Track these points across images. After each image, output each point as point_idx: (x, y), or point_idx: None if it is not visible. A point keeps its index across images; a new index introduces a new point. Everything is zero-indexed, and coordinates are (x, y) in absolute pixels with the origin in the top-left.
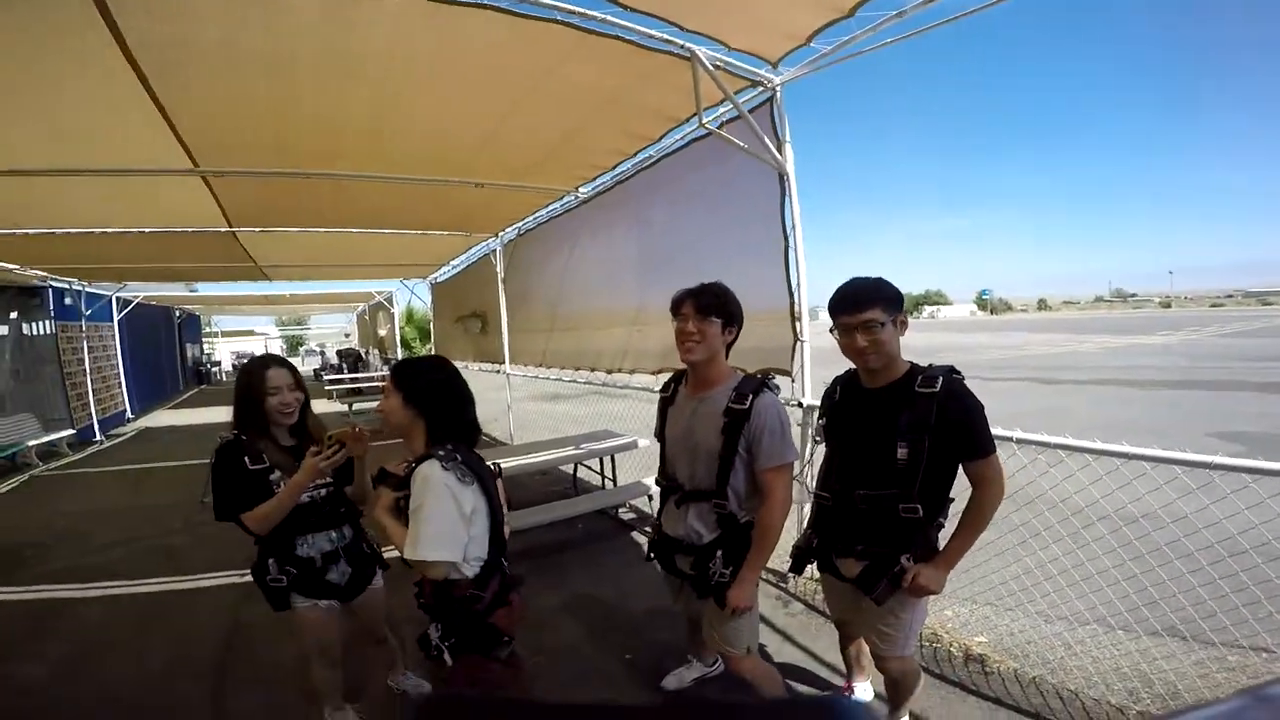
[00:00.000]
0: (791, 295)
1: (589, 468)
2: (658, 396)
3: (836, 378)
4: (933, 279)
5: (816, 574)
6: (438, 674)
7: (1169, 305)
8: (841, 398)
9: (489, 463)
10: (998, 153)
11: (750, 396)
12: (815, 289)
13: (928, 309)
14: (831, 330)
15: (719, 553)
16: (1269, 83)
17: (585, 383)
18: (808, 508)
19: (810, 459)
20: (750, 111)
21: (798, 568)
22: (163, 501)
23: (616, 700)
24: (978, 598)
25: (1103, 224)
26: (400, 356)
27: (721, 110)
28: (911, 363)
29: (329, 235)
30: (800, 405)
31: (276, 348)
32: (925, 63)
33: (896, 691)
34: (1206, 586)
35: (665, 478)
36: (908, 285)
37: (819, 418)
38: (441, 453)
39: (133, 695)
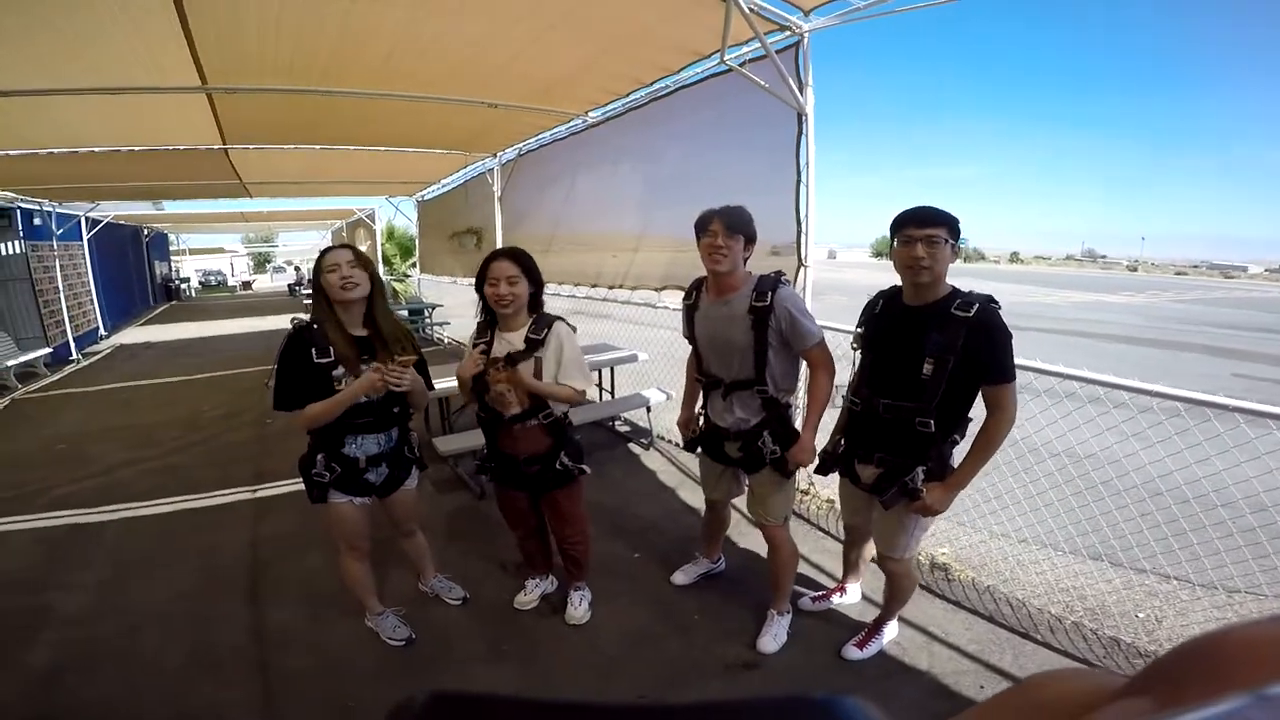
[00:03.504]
0: (799, 224)
1: None
2: (683, 305)
3: (880, 292)
4: None
5: (811, 487)
6: (572, 488)
7: (1135, 269)
8: (881, 311)
9: None
10: (998, 108)
11: (770, 293)
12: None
13: None
14: (891, 243)
15: (765, 432)
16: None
17: (584, 296)
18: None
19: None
20: (777, 53)
21: (823, 470)
22: (157, 420)
23: (619, 700)
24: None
25: (1080, 189)
26: (381, 273)
27: (746, 49)
28: (954, 287)
29: (324, 152)
30: None
31: (244, 265)
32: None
33: (892, 593)
34: (1131, 521)
35: (704, 375)
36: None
37: (858, 326)
38: (560, 316)
39: (174, 613)
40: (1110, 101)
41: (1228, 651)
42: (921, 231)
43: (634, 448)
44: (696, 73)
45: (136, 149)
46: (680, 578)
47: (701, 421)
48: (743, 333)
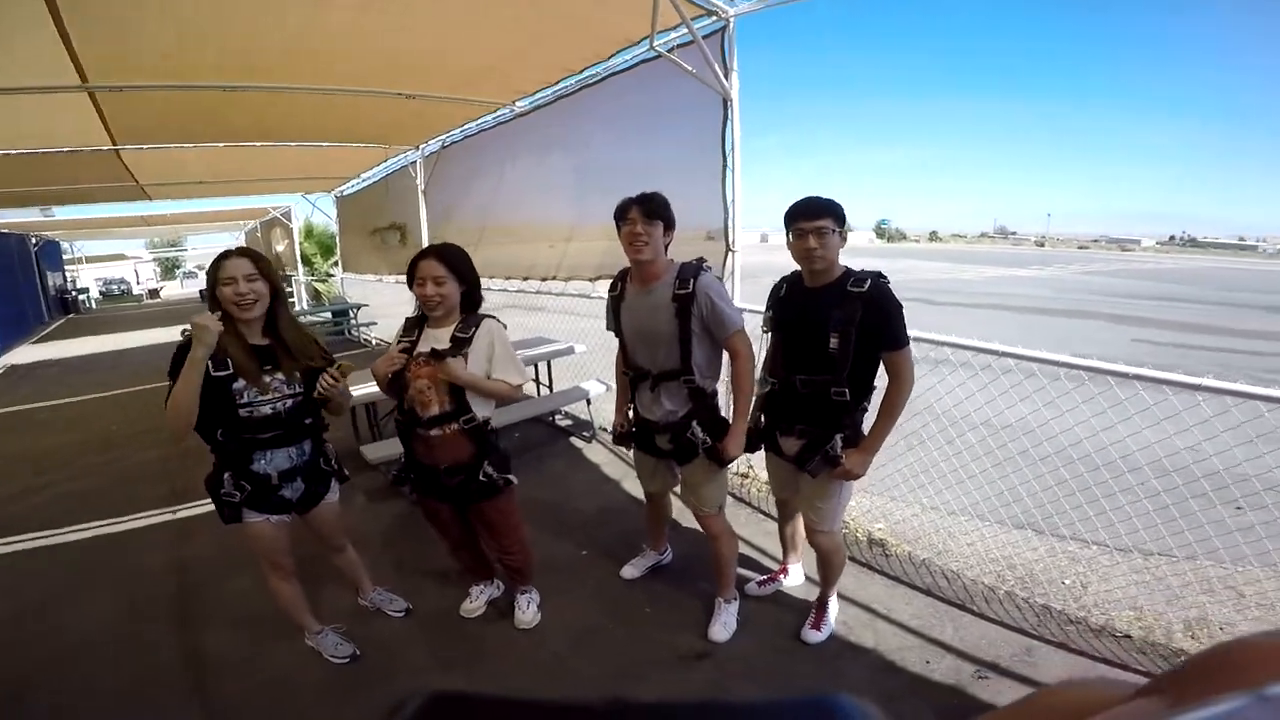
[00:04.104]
0: (726, 210)
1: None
2: (608, 297)
3: (783, 277)
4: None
5: (750, 470)
6: (500, 500)
7: (1043, 244)
8: (786, 294)
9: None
10: (915, 92)
11: (692, 280)
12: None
13: None
14: (788, 234)
15: (694, 423)
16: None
17: (515, 290)
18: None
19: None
20: (704, 39)
21: (751, 448)
22: (63, 442)
23: (621, 699)
24: (871, 489)
25: (993, 168)
26: (300, 273)
27: (673, 35)
28: (847, 267)
29: (230, 149)
30: None
31: (149, 271)
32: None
33: (826, 567)
34: (1049, 490)
35: (631, 368)
36: None
37: (766, 310)
38: (491, 314)
39: (101, 642)
40: (1022, 80)
41: (1239, 657)
42: (811, 224)
43: (576, 441)
44: (627, 59)
45: (12, 153)
46: (629, 571)
47: (631, 415)
48: (667, 321)
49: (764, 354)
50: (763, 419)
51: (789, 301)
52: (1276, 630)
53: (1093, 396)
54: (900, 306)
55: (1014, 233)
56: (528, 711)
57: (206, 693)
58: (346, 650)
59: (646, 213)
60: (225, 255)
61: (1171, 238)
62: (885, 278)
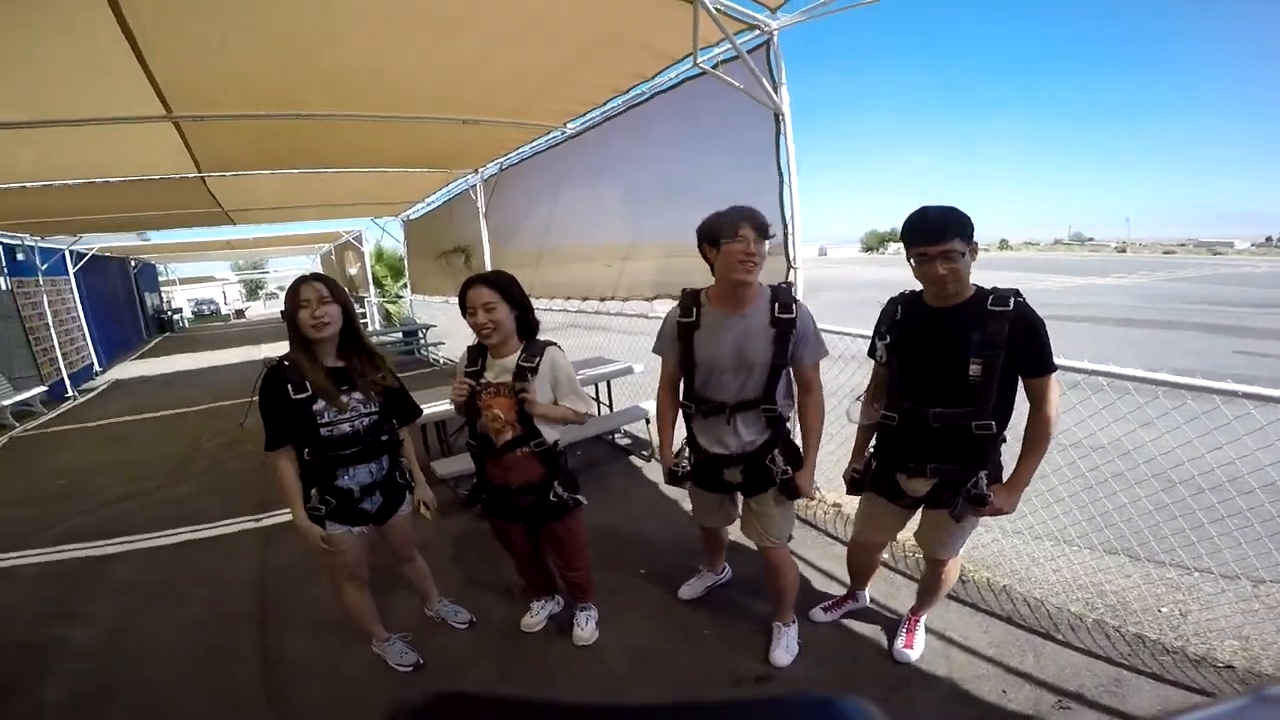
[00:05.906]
0: (786, 226)
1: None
2: (673, 323)
3: (893, 298)
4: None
5: (817, 492)
6: (569, 519)
7: (1124, 250)
8: (904, 316)
9: None
10: (980, 98)
11: (793, 304)
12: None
13: (893, 245)
14: (908, 257)
15: (775, 451)
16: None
17: (575, 310)
18: (853, 429)
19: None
20: (748, 53)
21: (856, 489)
22: (158, 453)
23: (621, 699)
24: None
25: (1067, 171)
26: (373, 295)
27: (717, 51)
28: (977, 285)
29: (302, 176)
30: None
31: (235, 293)
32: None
33: (940, 585)
34: (1146, 515)
35: (700, 400)
36: (886, 221)
37: (880, 337)
38: (552, 341)
39: (188, 644)
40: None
41: None
42: (936, 249)
43: (635, 460)
44: (671, 78)
45: (113, 180)
46: (687, 591)
47: (688, 453)
48: (764, 348)
49: (869, 384)
50: (872, 461)
51: (910, 323)
52: None
53: (1196, 416)
54: (1045, 326)
55: (1091, 239)
56: (525, 711)
57: (283, 696)
58: (411, 659)
59: (758, 229)
60: (301, 281)
61: (1268, 239)
62: (1022, 296)
